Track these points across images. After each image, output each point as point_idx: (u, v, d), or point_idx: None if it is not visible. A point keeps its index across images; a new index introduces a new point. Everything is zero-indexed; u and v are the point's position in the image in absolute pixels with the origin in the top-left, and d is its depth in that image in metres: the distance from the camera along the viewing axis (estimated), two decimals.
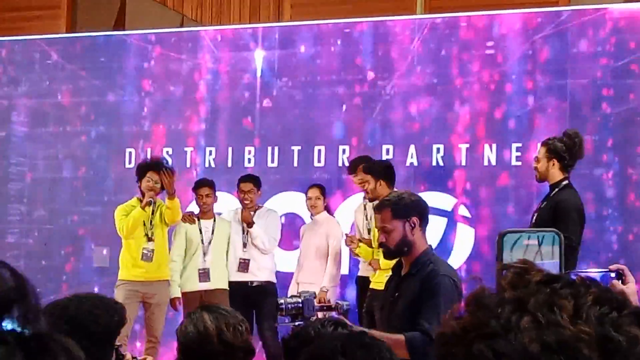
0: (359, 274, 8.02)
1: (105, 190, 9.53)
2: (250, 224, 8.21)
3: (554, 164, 6.49)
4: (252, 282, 8.15)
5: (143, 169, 8.12)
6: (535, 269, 1.12)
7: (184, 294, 8.20)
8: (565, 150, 6.49)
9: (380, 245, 4.51)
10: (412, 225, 4.35)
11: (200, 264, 8.19)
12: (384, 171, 7.60)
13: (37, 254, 9.70)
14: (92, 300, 2.98)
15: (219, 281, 8.17)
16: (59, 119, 9.81)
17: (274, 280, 8.28)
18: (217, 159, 9.24)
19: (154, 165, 8.14)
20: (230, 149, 9.23)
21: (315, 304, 4.40)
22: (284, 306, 4.25)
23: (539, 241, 1.71)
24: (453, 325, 1.10)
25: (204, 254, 8.20)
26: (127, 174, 9.05)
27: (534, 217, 6.57)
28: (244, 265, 8.21)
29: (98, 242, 9.41)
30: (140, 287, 7.95)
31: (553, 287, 1.07)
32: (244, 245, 8.28)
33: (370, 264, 7.52)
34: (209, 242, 8.23)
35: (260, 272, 8.22)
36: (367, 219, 7.90)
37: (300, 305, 4.27)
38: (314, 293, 4.52)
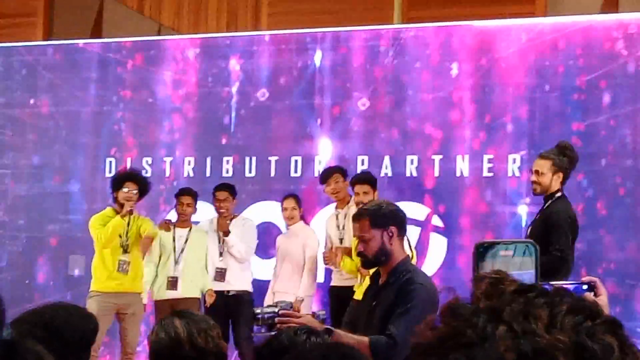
0: (332, 283, 8.02)
1: (85, 200, 9.51)
2: (226, 233, 8.21)
3: (558, 177, 6.51)
4: (228, 292, 8.14)
5: (121, 179, 8.05)
6: (509, 279, 1.13)
7: (155, 302, 8.19)
8: (568, 163, 6.54)
9: (359, 254, 4.51)
10: (390, 234, 4.35)
11: (170, 271, 8.16)
12: (375, 181, 7.71)
13: (14, 262, 9.65)
14: (68, 309, 2.98)
15: (189, 290, 8.12)
16: (37, 128, 9.78)
17: (251, 289, 8.27)
18: (196, 169, 9.23)
19: (132, 176, 8.10)
20: (208, 159, 9.22)
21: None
22: (260, 316, 4.23)
23: (514, 252, 1.72)
24: (428, 335, 1.09)
25: (175, 262, 8.17)
26: (105, 183, 9.03)
27: (528, 230, 6.60)
28: (220, 275, 8.20)
29: (74, 251, 9.39)
30: (114, 298, 7.84)
31: (528, 297, 1.07)
32: (220, 254, 8.28)
33: (359, 271, 7.52)
34: (181, 251, 8.20)
35: (236, 282, 8.21)
36: (339, 229, 7.93)
37: (277, 314, 4.28)
38: (291, 303, 4.51)
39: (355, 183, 7.73)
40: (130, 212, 7.86)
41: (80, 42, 9.84)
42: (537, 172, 6.59)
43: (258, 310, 4.26)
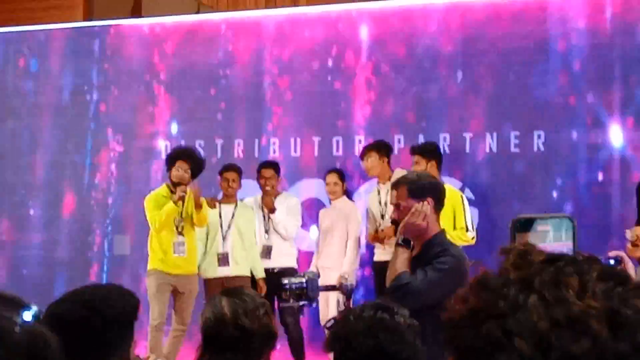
0: (375, 258, 7.99)
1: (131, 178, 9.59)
2: (272, 210, 8.22)
3: None
4: (273, 269, 8.14)
5: (173, 157, 8.06)
6: (536, 250, 1.13)
7: (206, 280, 8.20)
8: None
9: (393, 222, 4.56)
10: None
11: (219, 248, 8.18)
12: (434, 152, 7.67)
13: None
14: (108, 287, 3.03)
15: (239, 269, 8.12)
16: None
17: (296, 266, 8.28)
18: (246, 149, 9.23)
19: (184, 154, 8.09)
20: (256, 140, 9.20)
21: (319, 284, 4.42)
22: (287, 286, 4.28)
23: (552, 226, 1.70)
24: (460, 308, 1.10)
25: (223, 238, 8.19)
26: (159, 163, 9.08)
27: None
28: (266, 252, 8.23)
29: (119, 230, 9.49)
30: (172, 278, 7.87)
31: (557, 266, 1.07)
32: (266, 231, 8.30)
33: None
34: (229, 227, 8.20)
35: (281, 259, 8.23)
36: (380, 204, 7.90)
37: (305, 285, 4.29)
38: (318, 273, 4.54)
39: (411, 153, 7.77)
40: (183, 198, 7.87)
41: (119, 22, 9.88)
42: None
43: (285, 281, 4.31)
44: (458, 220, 7.37)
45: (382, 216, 7.82)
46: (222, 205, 8.27)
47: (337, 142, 8.92)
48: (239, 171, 8.33)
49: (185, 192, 7.83)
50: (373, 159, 7.99)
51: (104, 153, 9.67)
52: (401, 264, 4.29)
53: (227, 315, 3.13)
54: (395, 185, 4.53)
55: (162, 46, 9.54)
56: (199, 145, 9.21)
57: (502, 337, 1.04)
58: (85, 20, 10.29)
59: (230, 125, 9.34)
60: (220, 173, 8.36)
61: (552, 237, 1.76)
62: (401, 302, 4.17)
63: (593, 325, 1.01)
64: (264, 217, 8.29)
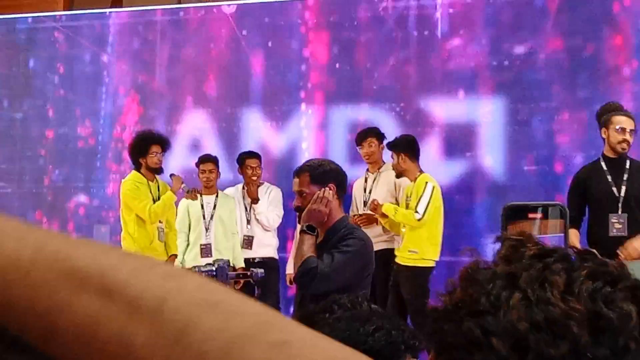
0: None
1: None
2: (255, 200, 8.23)
3: None
4: (254, 259, 8.14)
5: (146, 143, 7.92)
6: (532, 242, 1.10)
7: (198, 267, 8.15)
8: None
9: (296, 209, 4.60)
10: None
11: (202, 239, 8.18)
12: (407, 145, 7.55)
13: None
14: None
15: (222, 257, 8.06)
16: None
17: (276, 256, 8.28)
18: None
19: (156, 139, 8.00)
20: None
21: (230, 272, 4.53)
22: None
23: (543, 214, 1.70)
24: (445, 300, 1.09)
25: (206, 229, 8.18)
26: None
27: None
28: (247, 242, 8.22)
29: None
30: None
31: (545, 262, 1.06)
32: (248, 221, 8.29)
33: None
34: (211, 217, 8.20)
35: (262, 249, 8.22)
36: (365, 192, 7.87)
37: (214, 273, 4.37)
38: (228, 261, 4.61)
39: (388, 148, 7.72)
40: (192, 191, 7.93)
41: (101, 11, 9.85)
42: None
43: (196, 269, 4.41)
44: (412, 202, 7.34)
45: (365, 203, 7.78)
46: (204, 197, 8.25)
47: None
48: (215, 161, 8.32)
49: (182, 184, 7.88)
50: (373, 147, 7.89)
51: None
52: (307, 249, 4.34)
53: None
54: (298, 173, 4.60)
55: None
56: None
57: (480, 336, 1.02)
58: (66, 9, 10.22)
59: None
60: (197, 164, 8.33)
61: (544, 225, 1.76)
62: (309, 287, 4.27)
63: (573, 329, 1.00)
64: (246, 207, 8.29)
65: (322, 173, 4.51)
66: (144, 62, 9.65)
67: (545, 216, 1.76)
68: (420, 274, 7.19)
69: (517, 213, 1.77)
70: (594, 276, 1.04)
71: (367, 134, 7.96)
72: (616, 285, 1.04)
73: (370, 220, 7.61)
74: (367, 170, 8.02)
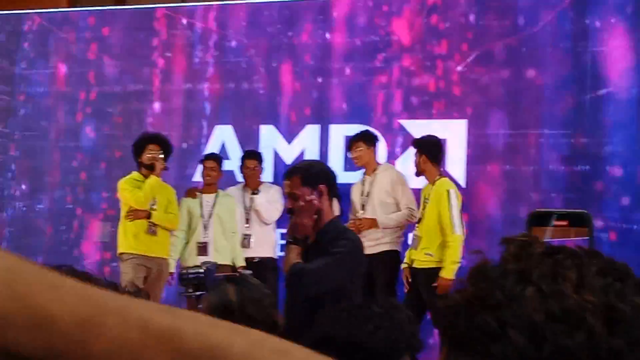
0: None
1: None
2: (255, 191, 8.27)
3: None
4: (253, 258, 8.15)
5: (143, 142, 7.99)
6: (538, 241, 1.12)
7: (186, 268, 8.15)
8: None
9: (288, 211, 4.60)
10: (320, 193, 4.44)
11: (200, 237, 8.17)
12: (429, 146, 7.51)
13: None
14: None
15: (221, 257, 8.03)
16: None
17: (275, 256, 8.28)
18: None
19: (153, 138, 8.06)
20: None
21: (217, 274, 4.54)
22: (186, 276, 4.36)
23: (569, 221, 1.72)
24: (456, 297, 1.09)
25: (204, 228, 8.17)
26: None
27: None
28: (246, 241, 8.24)
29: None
30: (145, 261, 7.85)
31: (556, 259, 1.07)
32: (247, 220, 8.31)
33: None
34: (209, 216, 8.20)
35: (260, 248, 8.23)
36: (362, 195, 7.87)
37: (202, 275, 4.37)
38: (216, 263, 4.62)
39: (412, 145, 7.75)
40: (167, 169, 7.93)
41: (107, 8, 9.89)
42: None
43: (184, 271, 4.40)
44: (432, 206, 7.30)
45: (363, 206, 7.80)
46: (203, 195, 8.27)
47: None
48: (218, 160, 8.35)
49: (164, 165, 7.89)
50: (362, 149, 7.90)
51: None
52: (294, 258, 4.36)
53: (234, 303, 3.13)
54: (289, 175, 4.59)
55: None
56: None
57: (496, 328, 1.03)
58: (69, 6, 10.23)
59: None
60: (201, 162, 8.40)
61: (569, 233, 1.77)
62: (298, 288, 4.29)
63: (588, 320, 1.01)
64: (246, 206, 8.30)
65: (313, 174, 4.50)
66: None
67: (571, 223, 1.76)
68: (437, 274, 7.12)
69: (542, 219, 1.78)
70: (604, 272, 1.05)
71: (355, 138, 8.00)
72: (625, 281, 1.05)
73: (370, 225, 7.63)
74: (364, 173, 8.02)
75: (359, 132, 8.13)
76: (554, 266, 1.06)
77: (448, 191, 7.26)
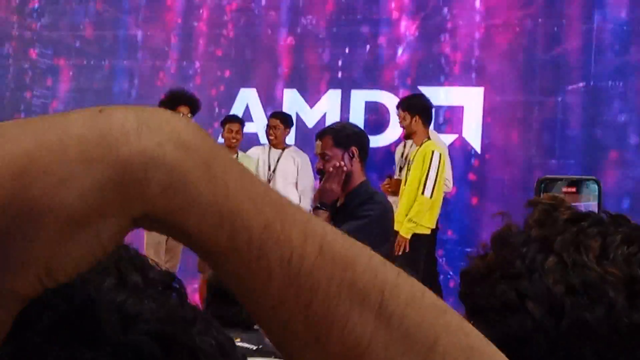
0: None
1: None
2: (282, 147, 8.20)
3: None
4: None
5: (173, 102, 7.48)
6: (564, 206, 1.09)
7: None
8: None
9: (318, 171, 4.57)
10: (351, 155, 4.44)
11: None
12: (423, 108, 7.32)
13: None
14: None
15: None
16: (81, 52, 9.92)
17: None
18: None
19: (184, 99, 7.74)
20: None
21: None
22: None
23: (577, 188, 1.79)
24: (478, 263, 1.08)
25: None
26: None
27: None
28: None
29: None
30: None
31: (580, 226, 1.05)
32: (269, 181, 8.27)
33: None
34: None
35: None
36: (402, 157, 7.55)
37: None
38: None
39: (397, 107, 7.53)
40: None
41: None
42: None
43: None
44: (416, 169, 7.06)
45: (401, 169, 7.47)
46: None
47: None
48: (241, 122, 8.26)
49: None
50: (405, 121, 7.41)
51: None
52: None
53: None
54: (321, 136, 4.58)
55: None
56: None
57: (515, 299, 1.02)
58: None
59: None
60: (223, 124, 8.27)
61: (578, 199, 1.82)
62: None
63: (609, 293, 0.99)
64: (269, 166, 8.19)
65: (345, 136, 4.49)
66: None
67: (579, 190, 1.81)
68: (416, 240, 6.92)
69: (551, 186, 1.82)
70: (629, 240, 1.03)
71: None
72: None
73: (397, 187, 7.31)
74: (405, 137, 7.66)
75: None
76: (578, 234, 1.04)
77: (432, 152, 7.04)
